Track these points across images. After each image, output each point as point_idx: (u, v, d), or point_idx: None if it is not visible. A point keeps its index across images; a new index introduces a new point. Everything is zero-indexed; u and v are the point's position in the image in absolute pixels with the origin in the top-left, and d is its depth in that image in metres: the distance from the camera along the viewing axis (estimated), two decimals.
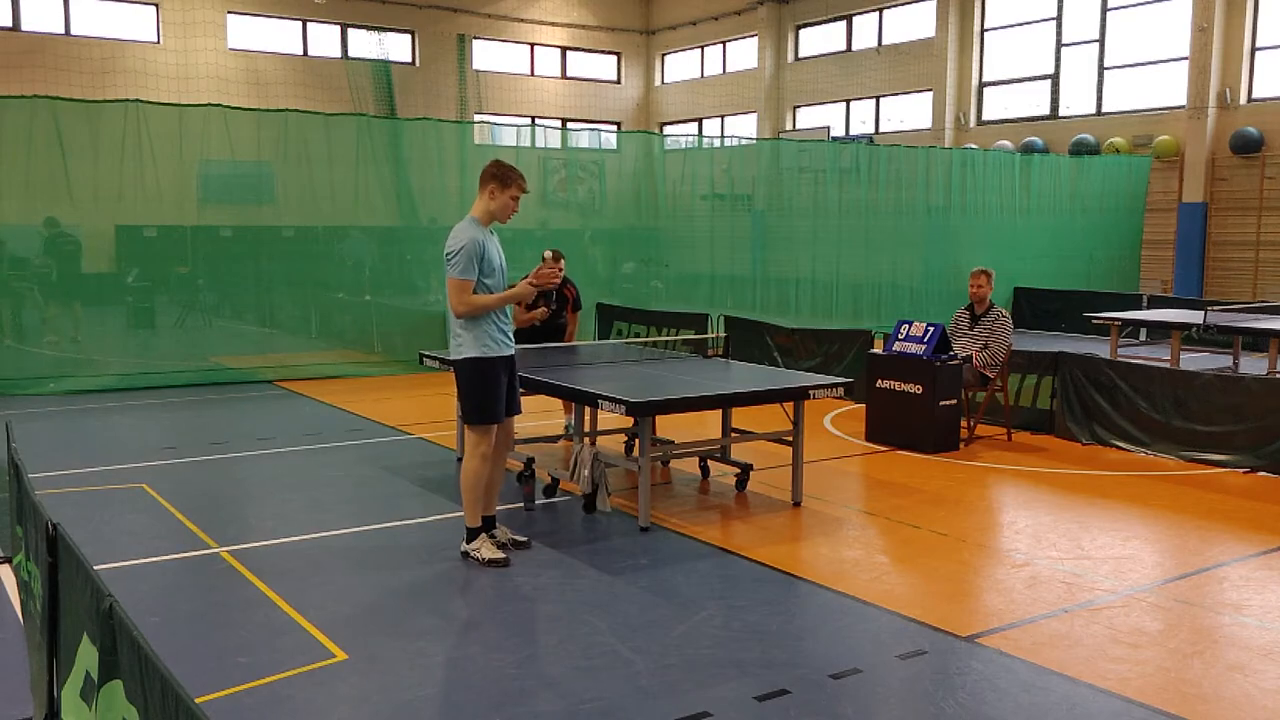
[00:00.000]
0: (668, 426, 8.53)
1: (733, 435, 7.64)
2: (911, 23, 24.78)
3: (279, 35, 25.36)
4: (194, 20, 23.58)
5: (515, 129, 18.01)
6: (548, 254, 6.11)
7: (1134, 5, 20.76)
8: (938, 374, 8.66)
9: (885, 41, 25.41)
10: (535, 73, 29.15)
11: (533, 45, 28.98)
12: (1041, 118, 22.36)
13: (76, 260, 12.34)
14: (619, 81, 30.79)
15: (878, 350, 9.46)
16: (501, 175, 5.74)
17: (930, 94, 24.27)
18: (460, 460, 8.26)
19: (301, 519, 6.66)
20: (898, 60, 24.86)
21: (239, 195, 13.43)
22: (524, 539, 6.08)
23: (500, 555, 5.76)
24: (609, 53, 30.53)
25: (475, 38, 27.83)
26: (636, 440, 7.29)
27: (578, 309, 9.38)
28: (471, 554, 5.79)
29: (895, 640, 4.78)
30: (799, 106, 27.64)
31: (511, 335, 5.91)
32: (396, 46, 26.84)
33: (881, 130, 25.51)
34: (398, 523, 6.57)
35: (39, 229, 11.98)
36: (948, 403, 8.76)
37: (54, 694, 2.93)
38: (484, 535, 5.84)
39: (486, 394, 5.73)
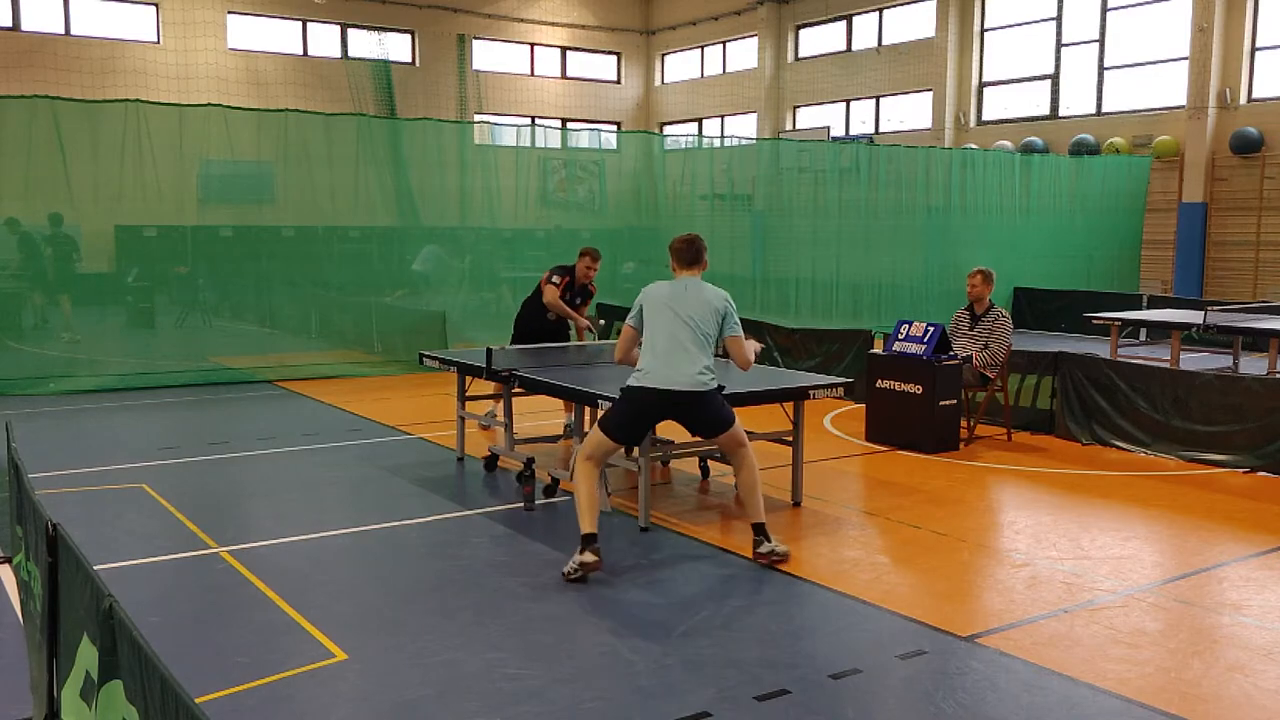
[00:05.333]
0: (668, 427, 8.51)
1: None
2: (911, 23, 24.78)
3: (279, 35, 25.35)
4: (194, 20, 23.57)
5: (515, 129, 18.01)
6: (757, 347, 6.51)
7: (1134, 5, 20.75)
8: (938, 374, 8.66)
9: (885, 41, 25.40)
10: (535, 73, 29.15)
11: (533, 45, 28.98)
12: (1041, 118, 22.35)
13: (77, 259, 12.34)
14: (619, 81, 30.79)
15: (878, 350, 9.45)
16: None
17: (930, 94, 24.27)
18: (460, 460, 8.28)
19: (301, 519, 6.66)
20: (898, 60, 24.85)
21: (239, 195, 13.43)
22: (784, 550, 5.87)
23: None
24: (609, 53, 30.52)
25: (475, 38, 27.83)
26: None
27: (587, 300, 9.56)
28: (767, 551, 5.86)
29: (895, 640, 4.78)
30: (799, 106, 27.64)
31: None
32: (396, 46, 26.83)
33: (881, 130, 25.50)
34: (398, 523, 6.57)
35: (43, 226, 11.97)
36: (948, 403, 8.75)
37: (54, 694, 2.93)
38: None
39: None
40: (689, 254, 6.11)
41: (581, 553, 5.60)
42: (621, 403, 5.95)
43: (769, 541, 5.86)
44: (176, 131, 12.20)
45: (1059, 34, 22.01)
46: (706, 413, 5.94)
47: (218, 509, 6.97)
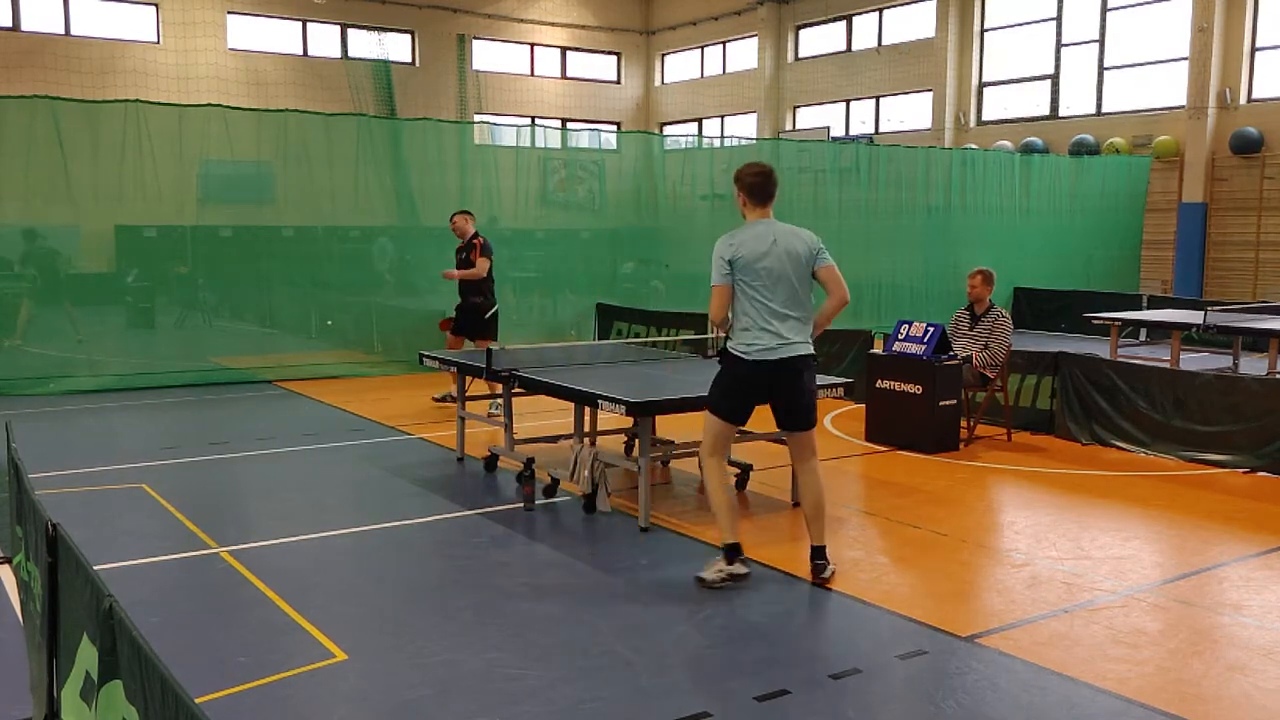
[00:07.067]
0: (668, 426, 8.52)
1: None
2: (911, 23, 24.78)
3: (279, 35, 25.35)
4: (194, 20, 23.57)
5: (515, 129, 17.99)
6: None
7: (1134, 5, 20.75)
8: (938, 374, 8.66)
9: (885, 41, 25.40)
10: (535, 73, 29.14)
11: (533, 45, 28.98)
12: (1041, 118, 22.35)
13: (71, 262, 12.33)
14: (619, 81, 30.79)
15: (878, 350, 9.45)
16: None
17: (930, 94, 24.27)
18: (461, 460, 8.27)
19: (301, 519, 6.66)
20: (898, 60, 24.85)
21: (239, 195, 13.42)
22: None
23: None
24: (609, 53, 30.52)
25: (475, 38, 27.82)
26: (636, 440, 7.28)
27: (485, 254, 10.60)
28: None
29: (895, 640, 4.78)
30: (799, 106, 27.63)
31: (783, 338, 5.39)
32: (396, 46, 26.83)
33: (881, 130, 25.50)
34: (398, 523, 6.57)
35: (20, 240, 11.96)
36: (948, 403, 8.75)
37: (54, 694, 2.93)
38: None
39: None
40: (766, 189, 5.60)
41: (730, 563, 5.39)
42: (729, 378, 5.47)
43: (829, 564, 5.57)
44: (176, 131, 12.19)
45: (1059, 34, 22.01)
46: (808, 383, 5.48)
47: (218, 509, 6.97)
